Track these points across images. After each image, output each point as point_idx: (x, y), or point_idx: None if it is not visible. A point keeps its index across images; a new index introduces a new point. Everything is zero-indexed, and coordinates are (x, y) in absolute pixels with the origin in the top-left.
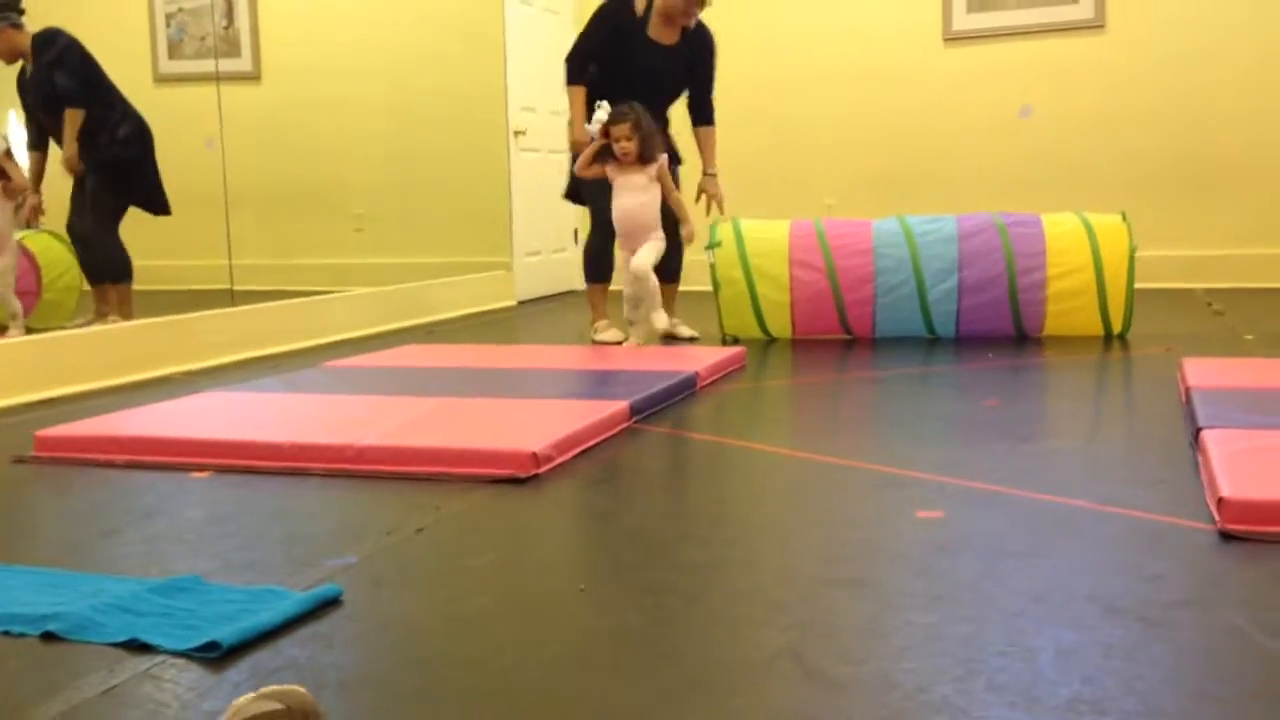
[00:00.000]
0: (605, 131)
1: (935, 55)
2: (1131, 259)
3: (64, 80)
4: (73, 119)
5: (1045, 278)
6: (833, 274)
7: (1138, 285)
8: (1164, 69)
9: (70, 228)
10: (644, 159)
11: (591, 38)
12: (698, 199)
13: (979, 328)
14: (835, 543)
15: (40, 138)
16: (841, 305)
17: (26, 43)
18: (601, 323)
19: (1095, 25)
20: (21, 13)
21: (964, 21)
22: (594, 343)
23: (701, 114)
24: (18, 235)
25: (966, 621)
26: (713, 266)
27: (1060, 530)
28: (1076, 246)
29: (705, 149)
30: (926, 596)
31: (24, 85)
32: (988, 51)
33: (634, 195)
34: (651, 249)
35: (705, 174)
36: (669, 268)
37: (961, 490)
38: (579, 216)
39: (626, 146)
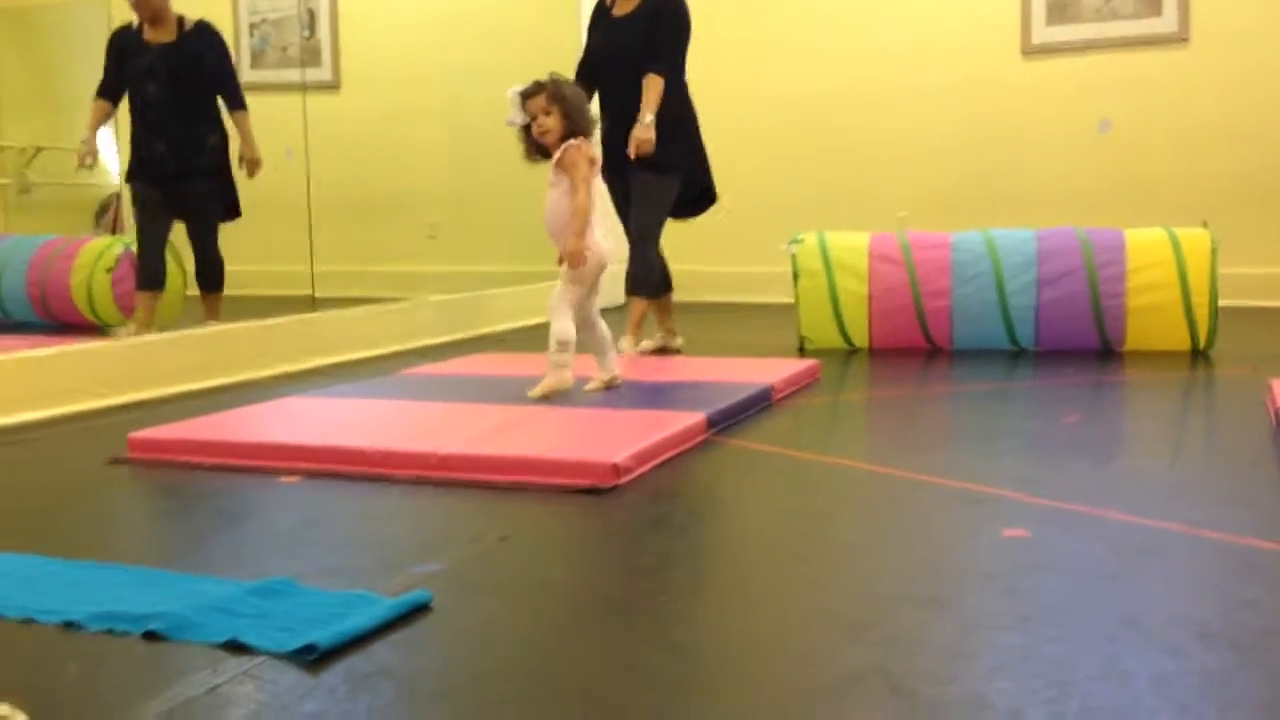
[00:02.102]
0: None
1: (1014, 68)
2: (1214, 257)
3: (234, 82)
4: (246, 120)
5: (1125, 271)
6: (910, 265)
7: (1222, 303)
8: (1249, 83)
9: (153, 226)
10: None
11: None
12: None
13: (1058, 329)
14: (917, 560)
15: (113, 93)
16: (919, 297)
17: (171, 11)
18: (627, 339)
19: (1179, 39)
20: None
21: (1043, 34)
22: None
23: (649, 64)
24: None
25: (1057, 643)
26: (794, 257)
27: (1149, 553)
28: (1156, 243)
29: (643, 95)
30: (1014, 617)
31: (139, 47)
32: (1067, 64)
33: (549, 192)
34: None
35: (638, 120)
36: (646, 279)
37: (1046, 509)
38: None
39: (546, 123)
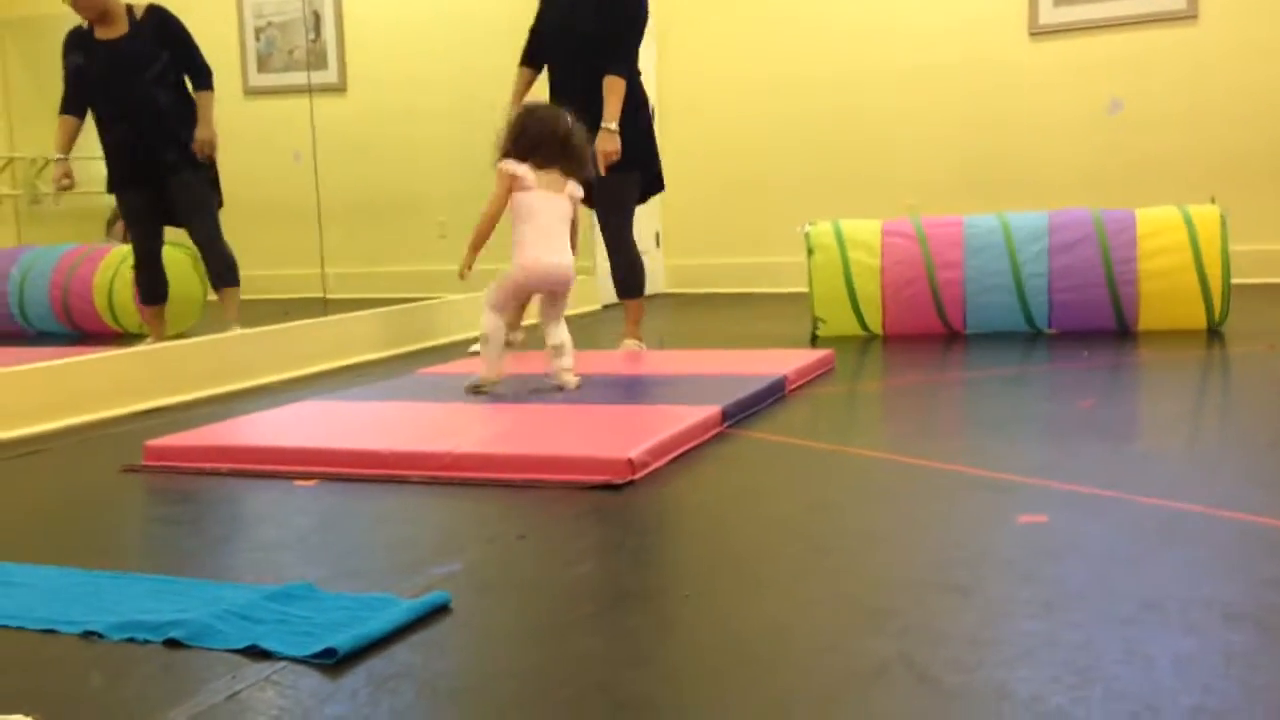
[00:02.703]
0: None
1: (1021, 49)
2: (1224, 227)
3: (199, 60)
4: (209, 100)
5: (1136, 236)
6: (922, 239)
7: (1236, 280)
8: (1259, 60)
9: (144, 239)
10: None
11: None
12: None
13: (1071, 296)
14: (937, 548)
15: (77, 104)
16: (931, 268)
17: (117, 4)
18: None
19: (1188, 16)
20: None
21: (1050, 15)
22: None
23: (607, 65)
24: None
25: (1078, 629)
26: (807, 235)
27: (1169, 534)
28: (1166, 214)
29: (604, 101)
30: (1036, 603)
31: (92, 48)
32: (1075, 45)
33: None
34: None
35: (603, 128)
36: (635, 280)
37: (1064, 494)
38: (661, 220)
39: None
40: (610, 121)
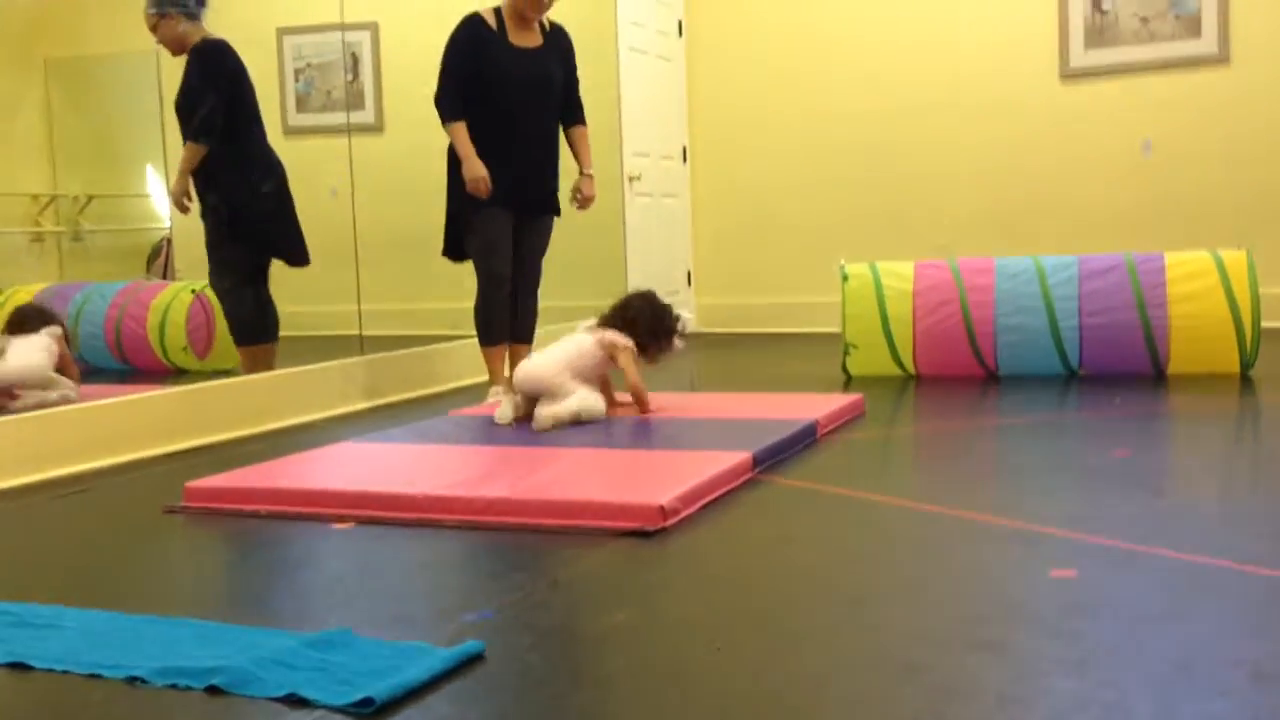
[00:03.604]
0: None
1: (1052, 92)
2: (1251, 264)
3: (200, 109)
4: (184, 150)
5: (1165, 265)
6: (956, 270)
7: (1266, 324)
8: None
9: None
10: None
11: (454, 64)
12: (573, 199)
13: (1103, 320)
14: (968, 602)
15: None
16: (963, 292)
17: (194, 40)
18: (496, 387)
19: (1219, 60)
20: (202, 4)
21: (1082, 58)
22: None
23: (574, 115)
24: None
25: (1111, 688)
26: (842, 265)
27: (1201, 591)
28: (1196, 256)
29: (580, 149)
30: (1067, 661)
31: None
32: (1106, 88)
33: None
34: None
35: (583, 174)
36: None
37: (1095, 548)
38: (692, 259)
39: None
40: (590, 168)
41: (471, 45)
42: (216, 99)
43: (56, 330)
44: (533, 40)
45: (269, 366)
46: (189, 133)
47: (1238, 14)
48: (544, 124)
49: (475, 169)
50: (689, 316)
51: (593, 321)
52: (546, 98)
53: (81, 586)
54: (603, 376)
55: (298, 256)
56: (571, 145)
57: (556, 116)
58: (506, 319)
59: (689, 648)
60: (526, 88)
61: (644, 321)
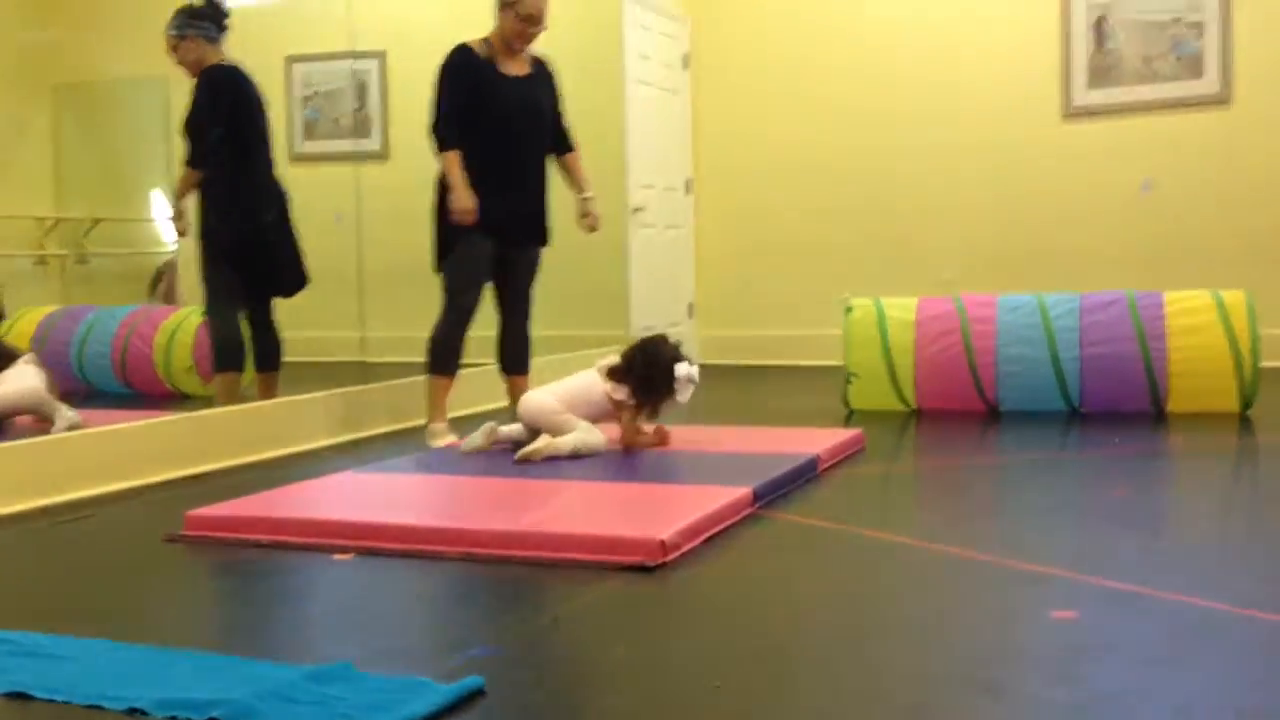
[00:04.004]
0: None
1: (1054, 131)
2: (1249, 304)
3: (204, 137)
4: (187, 176)
5: (1164, 299)
6: (959, 302)
7: (1266, 364)
8: None
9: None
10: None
11: (451, 93)
12: (581, 223)
13: (1104, 350)
14: (968, 643)
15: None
16: (965, 323)
17: (212, 61)
18: (439, 425)
19: (1221, 100)
20: (222, 28)
21: (1084, 97)
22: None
23: (565, 141)
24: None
25: None
26: (846, 298)
27: (1201, 634)
28: (1196, 294)
29: (577, 174)
30: (1068, 706)
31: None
32: (1108, 127)
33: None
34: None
35: (584, 197)
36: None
37: (1095, 589)
38: (695, 291)
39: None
40: (591, 189)
41: (465, 74)
42: (217, 126)
43: (32, 357)
44: (521, 69)
45: (237, 398)
46: (193, 161)
47: (1240, 55)
48: (536, 152)
49: (464, 199)
50: (694, 368)
51: (608, 362)
52: (538, 126)
53: (82, 615)
54: (610, 414)
55: (289, 288)
56: (568, 171)
57: (546, 145)
58: (461, 351)
59: (689, 684)
60: (520, 116)
61: (641, 379)
